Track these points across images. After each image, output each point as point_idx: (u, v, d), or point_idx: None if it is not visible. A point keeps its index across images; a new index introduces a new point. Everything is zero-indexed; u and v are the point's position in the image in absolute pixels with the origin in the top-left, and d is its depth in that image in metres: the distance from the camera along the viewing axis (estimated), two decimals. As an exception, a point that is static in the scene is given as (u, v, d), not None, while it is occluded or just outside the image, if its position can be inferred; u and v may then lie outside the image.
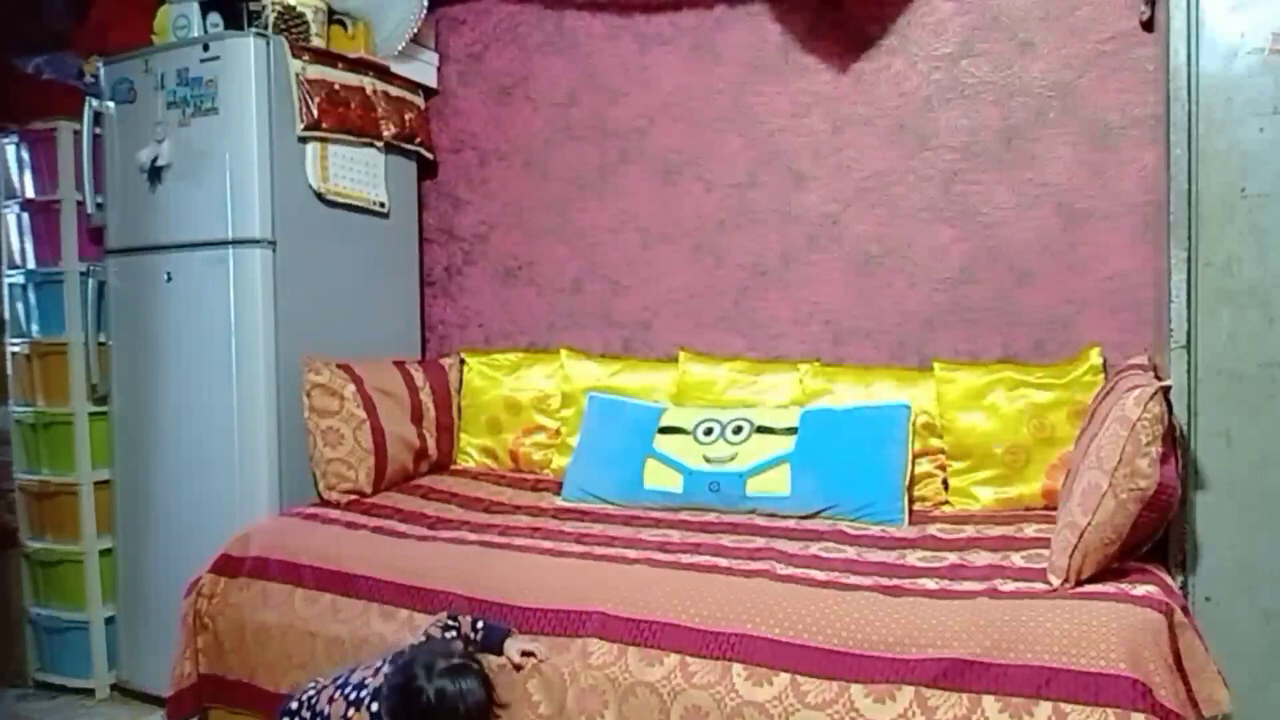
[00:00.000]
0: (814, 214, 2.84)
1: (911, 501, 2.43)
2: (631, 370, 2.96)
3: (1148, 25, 2.44)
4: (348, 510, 2.52)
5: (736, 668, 1.71)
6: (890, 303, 2.76)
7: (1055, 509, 2.13)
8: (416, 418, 2.91)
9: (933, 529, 2.26)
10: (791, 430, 2.50)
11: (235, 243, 2.65)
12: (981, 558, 2.00)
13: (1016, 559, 1.97)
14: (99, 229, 2.91)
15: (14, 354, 3.01)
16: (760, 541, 2.16)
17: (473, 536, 2.26)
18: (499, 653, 1.86)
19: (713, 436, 2.56)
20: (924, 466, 2.52)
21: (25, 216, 2.99)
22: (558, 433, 2.98)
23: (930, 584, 1.85)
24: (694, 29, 2.97)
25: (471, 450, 3.10)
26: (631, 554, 2.08)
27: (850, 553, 2.07)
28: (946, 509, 2.47)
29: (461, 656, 1.73)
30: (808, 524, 2.33)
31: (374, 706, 1.74)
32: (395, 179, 3.12)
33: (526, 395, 3.04)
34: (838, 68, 2.80)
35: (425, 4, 3.04)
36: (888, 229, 2.75)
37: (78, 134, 2.85)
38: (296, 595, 2.20)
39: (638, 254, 3.08)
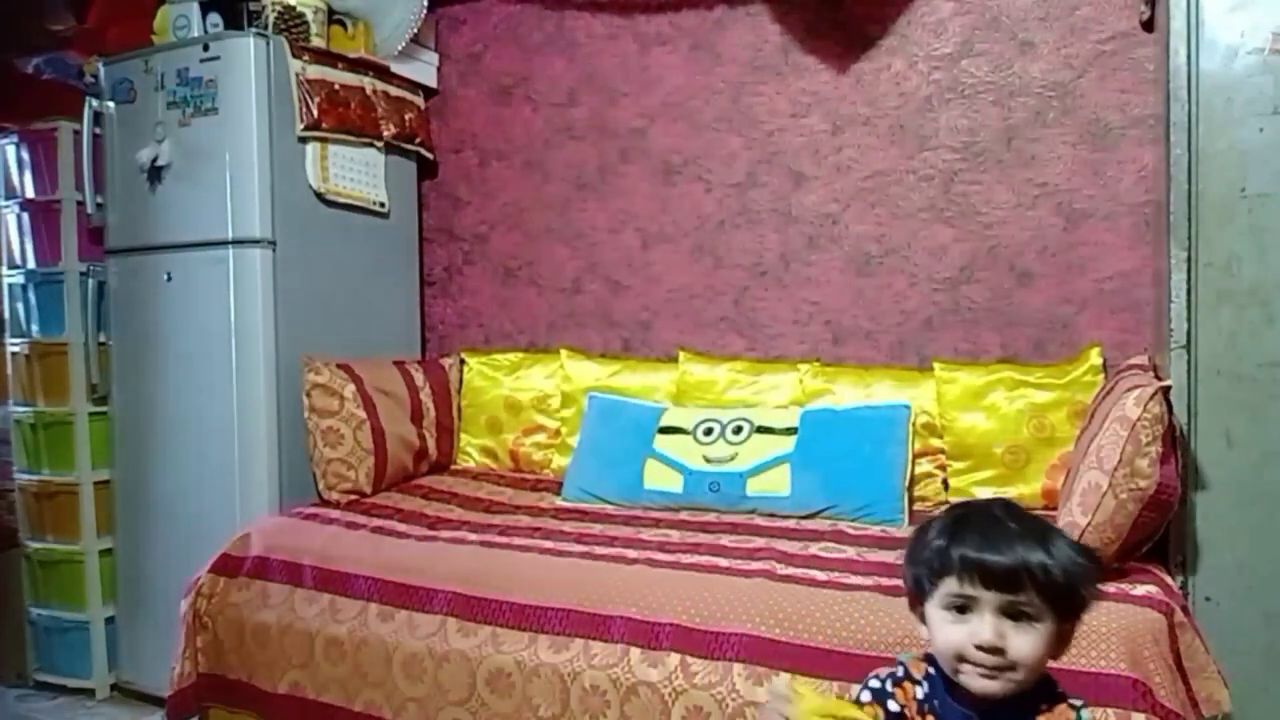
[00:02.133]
0: (814, 214, 2.84)
1: (911, 502, 2.42)
2: (631, 370, 2.96)
3: (1148, 25, 2.44)
4: (348, 510, 2.52)
5: (737, 668, 1.71)
6: (890, 303, 2.76)
7: (1055, 509, 2.12)
8: (416, 418, 2.91)
9: (933, 529, 2.26)
10: (791, 430, 2.50)
11: (235, 243, 2.65)
12: (981, 558, 2.00)
13: (1016, 559, 1.97)
14: (99, 229, 2.90)
15: (14, 354, 3.01)
16: (760, 541, 2.16)
17: (473, 536, 2.26)
18: None
19: (713, 436, 2.56)
20: (924, 466, 2.52)
21: (25, 216, 2.98)
22: (558, 433, 2.98)
23: (930, 584, 1.84)
24: (694, 29, 2.97)
25: (471, 450, 3.10)
26: (631, 554, 2.08)
27: (850, 553, 2.07)
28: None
29: None
30: (808, 524, 2.33)
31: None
32: (395, 179, 3.12)
33: (526, 395, 3.04)
34: (838, 68, 2.80)
35: (425, 4, 3.04)
36: (887, 229, 2.75)
37: (78, 134, 2.85)
38: (296, 595, 2.19)
39: (638, 254, 3.08)
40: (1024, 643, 1.00)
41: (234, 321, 2.64)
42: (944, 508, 1.10)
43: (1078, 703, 1.07)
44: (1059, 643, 1.03)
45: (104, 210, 2.87)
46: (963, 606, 1.03)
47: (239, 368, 2.64)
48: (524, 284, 3.26)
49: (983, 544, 1.02)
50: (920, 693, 1.08)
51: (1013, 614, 1.01)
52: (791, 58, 2.85)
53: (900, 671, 1.10)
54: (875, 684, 1.10)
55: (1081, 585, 1.03)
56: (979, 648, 1.00)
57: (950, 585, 1.03)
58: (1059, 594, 1.01)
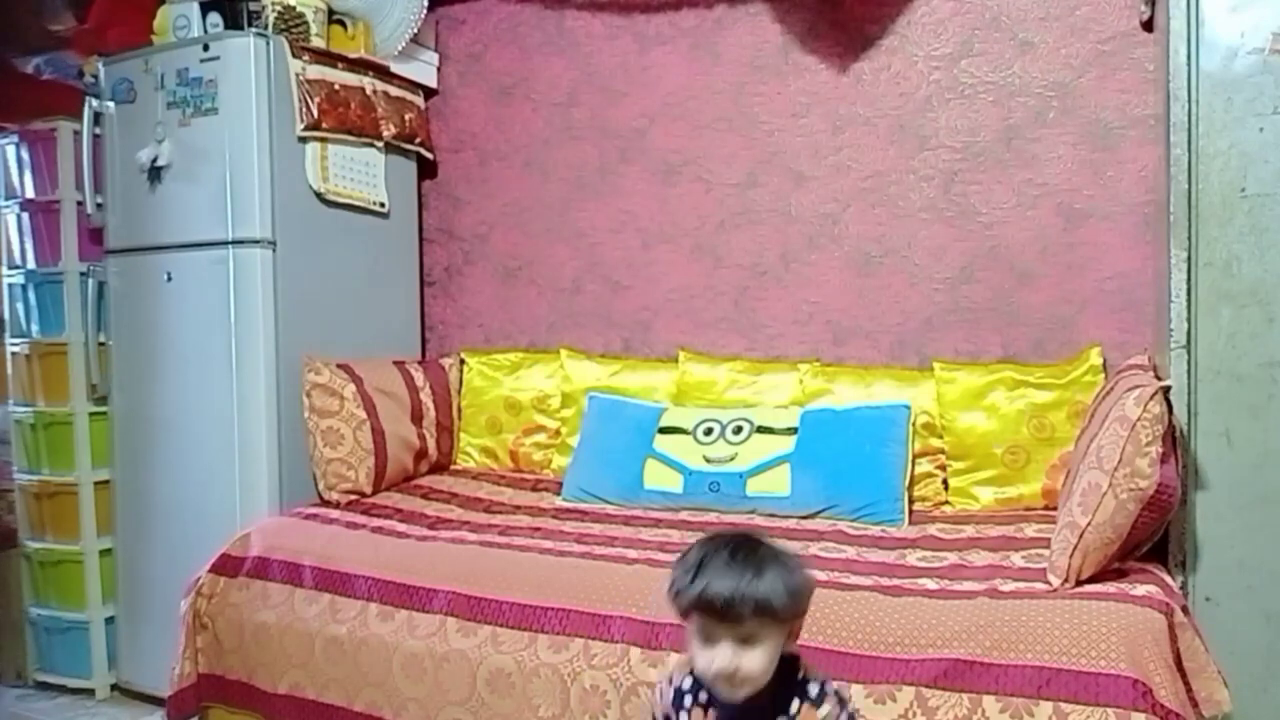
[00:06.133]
0: (814, 214, 2.84)
1: (911, 501, 2.43)
2: (631, 370, 2.96)
3: (1148, 25, 2.44)
4: (348, 510, 2.52)
5: (737, 668, 1.70)
6: (890, 303, 2.76)
7: (1055, 509, 2.13)
8: (416, 418, 2.91)
9: (933, 529, 2.26)
10: (791, 430, 2.50)
11: (235, 243, 2.65)
12: (981, 558, 2.00)
13: (1016, 559, 1.97)
14: (99, 229, 2.90)
15: (14, 354, 3.01)
16: (760, 541, 2.16)
17: (473, 536, 2.26)
18: None
19: (713, 436, 2.56)
20: (924, 466, 2.52)
21: (25, 216, 2.98)
22: (558, 433, 2.98)
23: (930, 584, 1.85)
24: (694, 29, 2.97)
25: (471, 450, 3.10)
26: (631, 554, 2.08)
27: (850, 553, 2.07)
28: (946, 509, 2.47)
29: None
30: (808, 524, 2.33)
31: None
32: (395, 179, 3.12)
33: (526, 395, 3.04)
34: (838, 68, 2.80)
35: (425, 4, 3.04)
36: (887, 229, 2.75)
37: (78, 134, 2.85)
38: (296, 595, 2.19)
39: (638, 254, 3.08)
40: (753, 661, 1.18)
41: (234, 321, 2.64)
42: (718, 539, 1.27)
43: (814, 690, 1.25)
44: (790, 638, 1.25)
45: (104, 210, 2.87)
46: (707, 637, 1.20)
47: (239, 368, 2.64)
48: (524, 284, 3.26)
49: (715, 586, 1.18)
50: (704, 696, 1.29)
51: (744, 640, 1.18)
52: (791, 58, 2.85)
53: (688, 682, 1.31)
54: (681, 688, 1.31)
55: (796, 599, 1.21)
56: (718, 673, 1.19)
57: (695, 621, 1.21)
58: (776, 614, 1.19)
